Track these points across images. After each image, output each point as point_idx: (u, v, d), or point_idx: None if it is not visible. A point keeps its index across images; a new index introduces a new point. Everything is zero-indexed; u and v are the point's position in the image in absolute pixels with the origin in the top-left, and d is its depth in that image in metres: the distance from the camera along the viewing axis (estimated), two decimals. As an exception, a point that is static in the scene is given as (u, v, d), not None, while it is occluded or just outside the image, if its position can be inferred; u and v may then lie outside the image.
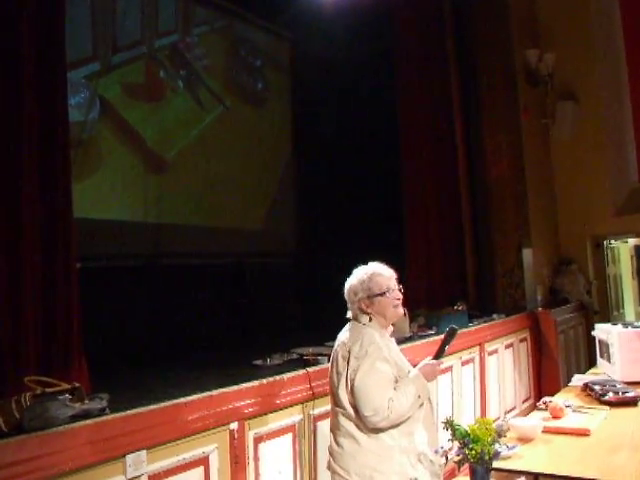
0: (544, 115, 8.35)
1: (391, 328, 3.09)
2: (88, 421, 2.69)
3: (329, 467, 2.95)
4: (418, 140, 6.72)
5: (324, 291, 5.46)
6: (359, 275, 2.98)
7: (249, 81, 6.96)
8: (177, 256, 5.70)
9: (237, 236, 6.46)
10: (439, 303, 6.23)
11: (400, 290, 3.01)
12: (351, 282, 2.99)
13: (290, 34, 7.53)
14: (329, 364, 3.03)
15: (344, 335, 2.96)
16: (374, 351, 2.79)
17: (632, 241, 11.84)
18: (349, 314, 3.02)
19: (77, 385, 2.92)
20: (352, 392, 2.77)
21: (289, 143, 7.37)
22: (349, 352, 2.83)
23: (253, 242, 6.68)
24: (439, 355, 3.02)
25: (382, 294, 2.92)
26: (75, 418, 2.69)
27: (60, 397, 2.78)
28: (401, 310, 3.03)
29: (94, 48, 5.35)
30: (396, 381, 2.80)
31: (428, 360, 3.01)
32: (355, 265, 3.07)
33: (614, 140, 8.31)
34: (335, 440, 2.89)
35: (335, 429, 2.91)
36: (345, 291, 3.02)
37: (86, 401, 2.85)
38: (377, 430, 2.74)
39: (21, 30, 3.29)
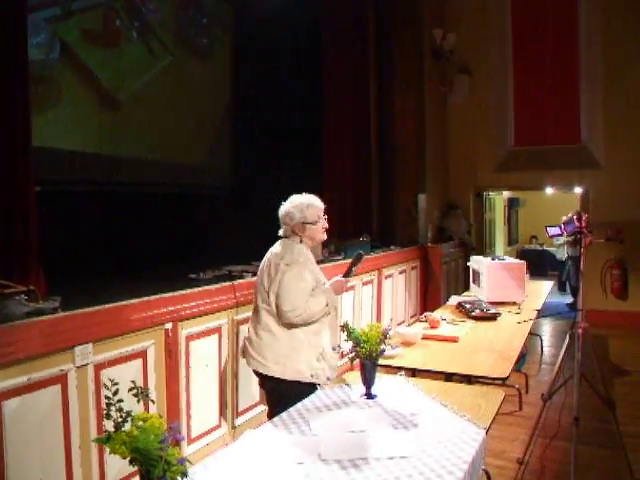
0: (444, 84, 8.39)
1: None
2: (41, 317, 2.63)
3: (244, 354, 3.03)
4: (339, 96, 6.66)
5: (254, 218, 5.44)
6: (296, 203, 2.96)
7: (195, 36, 6.68)
8: (128, 184, 5.50)
9: (181, 169, 6.29)
10: (348, 234, 6.29)
11: (326, 219, 3.03)
12: (288, 208, 2.96)
13: (234, -2, 7.24)
14: (258, 273, 3.02)
15: (276, 248, 2.98)
16: (304, 261, 2.88)
17: (506, 193, 12.32)
18: (281, 232, 3.00)
19: (32, 288, 2.83)
20: (278, 291, 2.83)
21: (229, 91, 7.15)
22: (282, 259, 2.87)
23: (195, 175, 6.53)
24: (347, 274, 3.04)
25: (314, 222, 2.94)
26: (30, 315, 2.63)
27: (17, 297, 2.70)
28: (325, 236, 3.06)
29: (55, -7, 4.96)
30: (313, 289, 2.88)
31: (339, 277, 3.06)
32: (280, 198, 3.04)
33: (498, 110, 8.50)
34: (255, 332, 2.95)
35: (256, 324, 2.96)
36: (281, 213, 2.98)
37: (40, 302, 2.79)
38: (291, 325, 2.84)
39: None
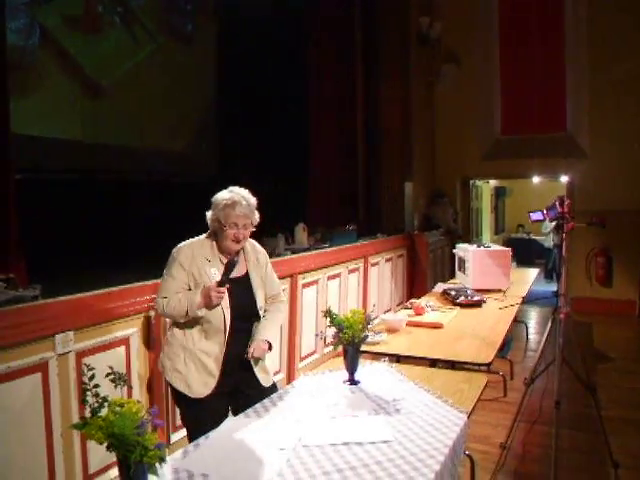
0: (430, 74, 8.38)
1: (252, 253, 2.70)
2: (21, 305, 2.60)
3: None
4: (325, 84, 6.62)
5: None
6: (224, 196, 2.54)
7: (180, 22, 6.58)
8: (110, 172, 5.42)
9: (165, 157, 6.22)
10: (334, 223, 6.28)
11: (246, 228, 2.53)
12: (216, 199, 2.56)
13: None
14: None
15: None
16: (177, 256, 2.53)
17: (493, 182, 12.37)
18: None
19: (11, 276, 2.81)
20: None
21: (213, 79, 7.07)
22: None
23: (179, 162, 6.47)
24: (222, 283, 2.44)
25: (223, 226, 2.50)
26: (9, 303, 2.59)
27: (-5, 285, 2.67)
28: (237, 247, 2.55)
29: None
30: (189, 289, 2.52)
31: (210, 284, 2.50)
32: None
33: (485, 99, 8.50)
34: None
35: None
36: None
37: (20, 290, 2.76)
38: (174, 323, 2.58)
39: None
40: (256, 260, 2.71)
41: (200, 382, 2.52)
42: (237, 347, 2.56)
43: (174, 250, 2.56)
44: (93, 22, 5.47)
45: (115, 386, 1.59)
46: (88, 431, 1.49)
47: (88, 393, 1.52)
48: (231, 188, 2.59)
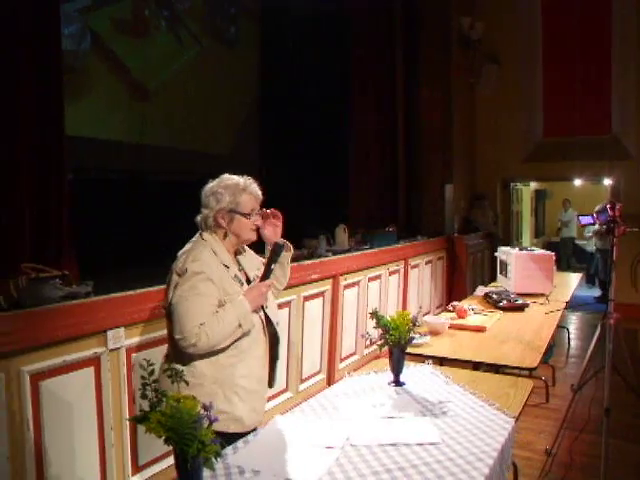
0: (471, 75, 8.29)
1: (257, 256, 2.42)
2: (75, 301, 2.68)
3: None
4: (366, 85, 6.63)
5: (280, 207, 5.42)
6: (229, 183, 2.19)
7: (223, 25, 6.69)
8: (156, 173, 5.54)
9: (208, 158, 6.32)
10: (374, 224, 6.28)
11: (260, 216, 2.27)
12: (215, 187, 2.19)
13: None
14: None
15: (185, 246, 2.21)
16: (201, 268, 2.08)
17: (533, 185, 12.15)
18: (198, 218, 2.22)
19: (66, 272, 2.90)
20: (171, 311, 2.10)
21: (256, 80, 7.16)
22: (177, 265, 2.14)
23: (221, 164, 6.56)
24: (266, 276, 2.22)
25: (245, 215, 2.19)
26: (64, 299, 2.68)
27: (51, 281, 2.75)
28: (255, 235, 2.27)
29: (85, -16, 5.02)
30: (220, 305, 2.10)
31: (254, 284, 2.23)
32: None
33: (527, 101, 8.37)
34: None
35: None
36: (204, 193, 2.20)
37: (74, 286, 2.84)
38: (191, 356, 2.08)
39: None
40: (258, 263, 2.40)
41: (249, 410, 2.19)
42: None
43: (189, 265, 2.08)
44: (140, 26, 5.61)
45: (172, 382, 1.63)
46: (147, 425, 1.53)
47: (148, 388, 1.55)
48: (221, 177, 2.24)
